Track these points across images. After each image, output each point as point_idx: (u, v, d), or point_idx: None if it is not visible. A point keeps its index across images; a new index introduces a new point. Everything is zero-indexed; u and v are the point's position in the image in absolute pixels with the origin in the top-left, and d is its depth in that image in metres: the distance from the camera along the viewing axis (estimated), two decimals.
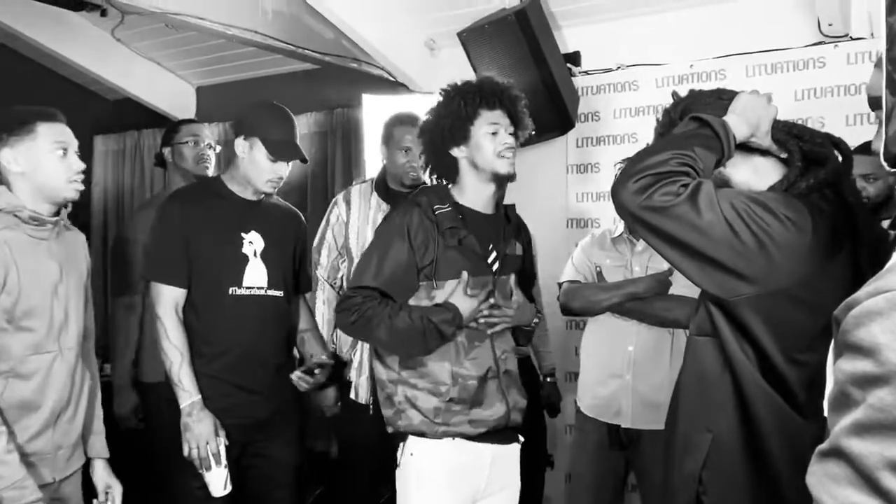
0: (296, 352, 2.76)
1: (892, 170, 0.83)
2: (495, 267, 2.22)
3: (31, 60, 5.20)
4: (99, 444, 2.35)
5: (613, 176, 2.99)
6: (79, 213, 6.26)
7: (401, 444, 2.18)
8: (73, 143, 2.17)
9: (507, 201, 3.52)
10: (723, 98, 1.62)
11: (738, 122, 1.55)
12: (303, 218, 2.77)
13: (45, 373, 2.10)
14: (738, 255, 1.41)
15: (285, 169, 2.50)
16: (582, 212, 3.96)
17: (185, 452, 2.31)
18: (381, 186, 3.01)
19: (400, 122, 2.94)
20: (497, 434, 2.20)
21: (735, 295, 1.45)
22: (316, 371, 2.57)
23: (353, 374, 2.97)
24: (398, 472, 2.19)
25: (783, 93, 3.27)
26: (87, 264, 2.35)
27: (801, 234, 1.43)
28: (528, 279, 2.43)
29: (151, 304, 2.45)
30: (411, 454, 2.15)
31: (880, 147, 1.18)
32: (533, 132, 3.79)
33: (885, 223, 2.38)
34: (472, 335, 2.17)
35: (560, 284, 2.96)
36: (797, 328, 1.47)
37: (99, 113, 5.72)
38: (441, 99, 2.21)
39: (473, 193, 2.22)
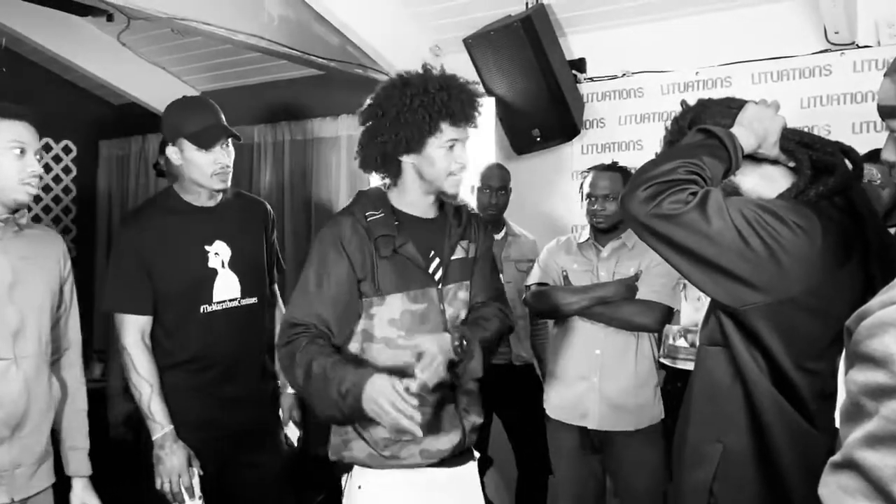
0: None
1: None
2: (437, 276, 2.00)
3: (36, 65, 5.23)
4: (77, 462, 2.19)
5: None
6: (85, 216, 6.28)
7: (345, 475, 2.01)
8: (34, 145, 2.00)
9: (512, 209, 3.55)
10: (731, 107, 1.62)
11: (746, 133, 1.54)
12: (268, 206, 2.65)
13: None
14: (747, 263, 1.40)
15: (224, 155, 2.36)
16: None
17: (157, 486, 2.25)
18: None
19: None
20: (451, 458, 2.01)
21: (745, 304, 1.44)
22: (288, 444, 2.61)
23: None
24: None
25: (789, 100, 3.27)
26: (63, 268, 2.17)
27: (811, 241, 1.42)
28: (484, 282, 2.14)
29: (116, 335, 2.33)
30: (359, 487, 1.96)
31: (891, 157, 1.18)
32: (538, 138, 3.84)
33: (893, 230, 2.38)
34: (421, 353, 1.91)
35: (527, 287, 3.00)
36: (807, 337, 1.46)
37: (104, 118, 5.74)
38: (394, 91, 1.92)
39: (414, 199, 2.01)
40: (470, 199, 3.27)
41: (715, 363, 1.58)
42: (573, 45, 3.97)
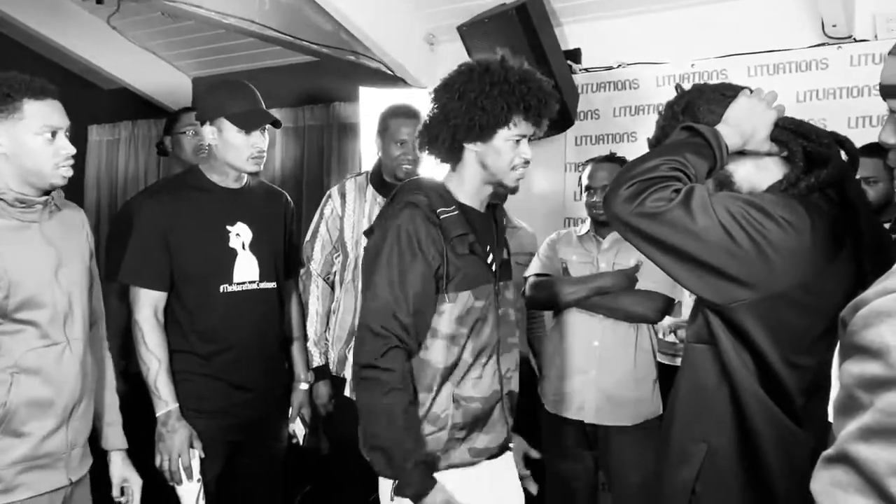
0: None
1: None
2: (494, 268, 1.99)
3: (26, 48, 5.16)
4: (115, 436, 2.20)
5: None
6: (74, 201, 6.23)
7: (382, 479, 1.93)
8: (64, 124, 1.94)
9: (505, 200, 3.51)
10: (726, 95, 1.59)
11: (731, 132, 1.51)
12: (289, 198, 2.69)
13: (54, 366, 1.93)
14: (734, 259, 1.37)
15: (262, 140, 2.38)
16: (580, 210, 3.93)
17: (157, 464, 2.24)
18: (377, 179, 2.95)
19: (396, 114, 2.88)
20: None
21: (733, 301, 1.41)
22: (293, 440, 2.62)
23: (347, 372, 2.93)
24: None
25: (785, 94, 3.22)
26: (90, 242, 2.15)
27: (800, 236, 1.40)
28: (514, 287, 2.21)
29: (131, 307, 2.34)
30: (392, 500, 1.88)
31: (891, 140, 1.15)
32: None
33: (886, 226, 2.37)
34: (478, 352, 1.92)
35: (526, 279, 2.97)
36: (796, 331, 1.44)
37: (94, 102, 5.68)
38: (471, 77, 1.87)
39: (471, 190, 1.96)
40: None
41: (701, 361, 1.55)
42: (568, 36, 3.94)
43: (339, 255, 2.97)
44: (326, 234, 2.96)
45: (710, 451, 1.53)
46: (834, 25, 3.22)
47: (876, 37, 3.22)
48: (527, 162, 1.93)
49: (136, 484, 2.20)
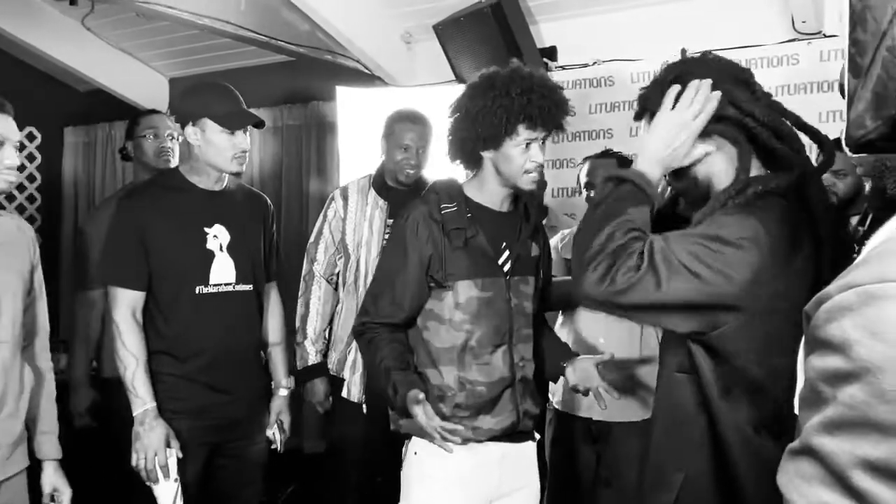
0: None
1: (855, 155, 0.82)
2: (507, 268, 2.11)
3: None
4: (48, 445, 2.21)
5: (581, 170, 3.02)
6: (50, 205, 6.16)
7: (406, 442, 2.13)
8: (13, 136, 2.02)
9: None
10: (711, 67, 1.59)
11: (650, 166, 1.55)
12: (269, 201, 2.68)
13: None
14: (708, 294, 1.41)
15: (245, 140, 2.39)
16: (558, 207, 3.96)
17: (133, 463, 2.23)
18: (379, 183, 2.97)
19: (402, 119, 2.88)
20: (506, 435, 2.12)
21: (718, 326, 1.45)
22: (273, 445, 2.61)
23: (346, 373, 2.94)
24: (403, 471, 2.14)
25: None
26: (32, 255, 2.19)
27: (760, 249, 1.42)
28: (543, 283, 2.30)
29: (109, 307, 2.34)
30: (415, 453, 2.09)
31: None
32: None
33: (854, 220, 2.41)
34: (486, 339, 2.07)
35: None
36: (778, 336, 1.45)
37: (69, 104, 5.62)
38: (480, 90, 2.03)
39: (490, 192, 2.12)
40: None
41: (680, 391, 1.57)
42: (544, 34, 3.96)
43: (341, 257, 2.98)
44: (329, 236, 2.98)
45: (687, 479, 1.54)
46: (804, 21, 3.27)
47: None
48: (539, 165, 2.05)
49: (66, 494, 2.21)
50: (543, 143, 2.05)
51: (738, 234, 1.43)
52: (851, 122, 0.76)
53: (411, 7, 3.96)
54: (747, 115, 1.54)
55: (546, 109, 1.99)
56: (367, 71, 4.15)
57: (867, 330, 0.64)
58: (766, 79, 3.36)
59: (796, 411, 0.78)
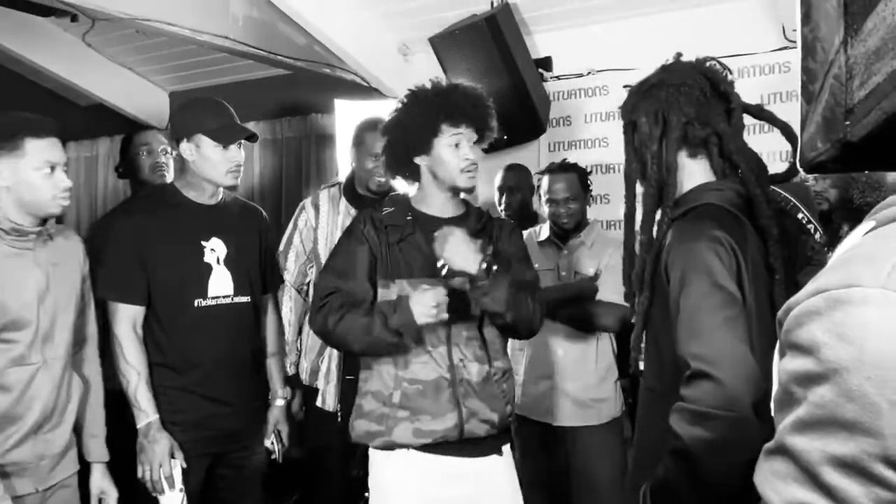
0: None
1: (807, 175, 0.87)
2: (443, 272, 2.07)
3: (1, 66, 5.13)
4: (96, 448, 2.29)
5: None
6: (70, 230, 6.12)
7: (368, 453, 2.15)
8: (62, 160, 2.12)
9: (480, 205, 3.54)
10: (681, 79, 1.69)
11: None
12: (264, 213, 2.71)
13: (27, 384, 2.05)
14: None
15: (239, 154, 2.43)
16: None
17: (139, 474, 2.28)
18: (350, 191, 2.97)
19: (372, 127, 2.89)
20: (452, 446, 2.07)
21: None
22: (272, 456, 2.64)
23: (320, 382, 2.94)
24: (369, 480, 2.17)
25: (749, 96, 3.27)
26: (83, 268, 2.28)
27: (721, 261, 1.47)
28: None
29: (109, 322, 2.38)
30: (371, 465, 2.13)
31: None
32: (505, 137, 3.85)
33: (846, 227, 2.44)
34: (424, 339, 2.09)
35: None
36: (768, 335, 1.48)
37: (71, 119, 5.60)
38: (405, 104, 2.16)
39: (432, 199, 2.20)
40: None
41: (659, 406, 1.57)
42: (539, 44, 4.00)
43: (312, 266, 2.98)
44: (300, 245, 2.97)
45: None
46: (794, 30, 3.28)
47: None
48: (473, 163, 2.13)
49: (112, 497, 2.28)
50: (476, 144, 2.15)
51: (721, 282, 1.48)
52: (804, 144, 0.80)
53: (408, 20, 4.00)
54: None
55: (464, 107, 2.10)
56: (364, 83, 4.18)
57: (834, 333, 0.66)
58: (758, 86, 3.45)
59: (772, 413, 0.81)
